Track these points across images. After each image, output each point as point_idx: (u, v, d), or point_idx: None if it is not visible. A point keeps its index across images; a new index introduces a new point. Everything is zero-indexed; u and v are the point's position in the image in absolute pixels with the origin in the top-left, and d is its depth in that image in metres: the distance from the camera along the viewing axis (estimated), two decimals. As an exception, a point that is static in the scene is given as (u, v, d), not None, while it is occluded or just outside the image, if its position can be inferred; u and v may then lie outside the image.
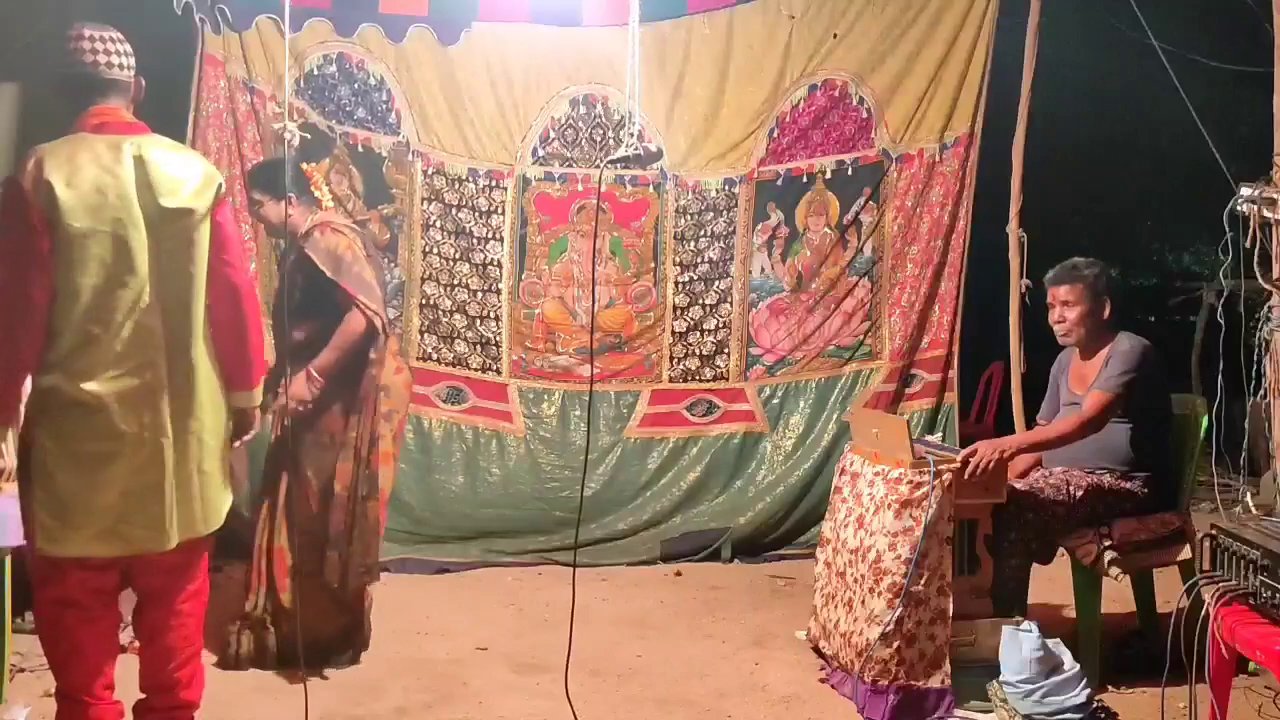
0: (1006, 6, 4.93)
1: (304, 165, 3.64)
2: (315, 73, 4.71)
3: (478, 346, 5.02)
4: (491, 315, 5.02)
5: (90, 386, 2.41)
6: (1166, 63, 4.26)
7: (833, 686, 3.37)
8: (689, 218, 5.08)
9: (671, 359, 5.13)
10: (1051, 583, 3.81)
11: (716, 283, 5.13)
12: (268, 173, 3.61)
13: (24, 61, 3.58)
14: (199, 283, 2.52)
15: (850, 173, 5.12)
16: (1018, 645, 3.09)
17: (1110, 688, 3.31)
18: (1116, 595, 3.64)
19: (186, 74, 4.49)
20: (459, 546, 4.74)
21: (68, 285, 2.40)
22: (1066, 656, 3.12)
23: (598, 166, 4.93)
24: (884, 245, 5.16)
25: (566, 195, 5.01)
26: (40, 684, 3.09)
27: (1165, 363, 3.62)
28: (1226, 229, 3.46)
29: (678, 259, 5.10)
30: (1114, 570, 3.37)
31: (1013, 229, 4.86)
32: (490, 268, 5.00)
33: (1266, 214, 3.36)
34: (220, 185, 2.58)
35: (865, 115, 5.09)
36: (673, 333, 5.12)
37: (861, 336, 5.17)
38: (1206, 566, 2.67)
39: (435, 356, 4.99)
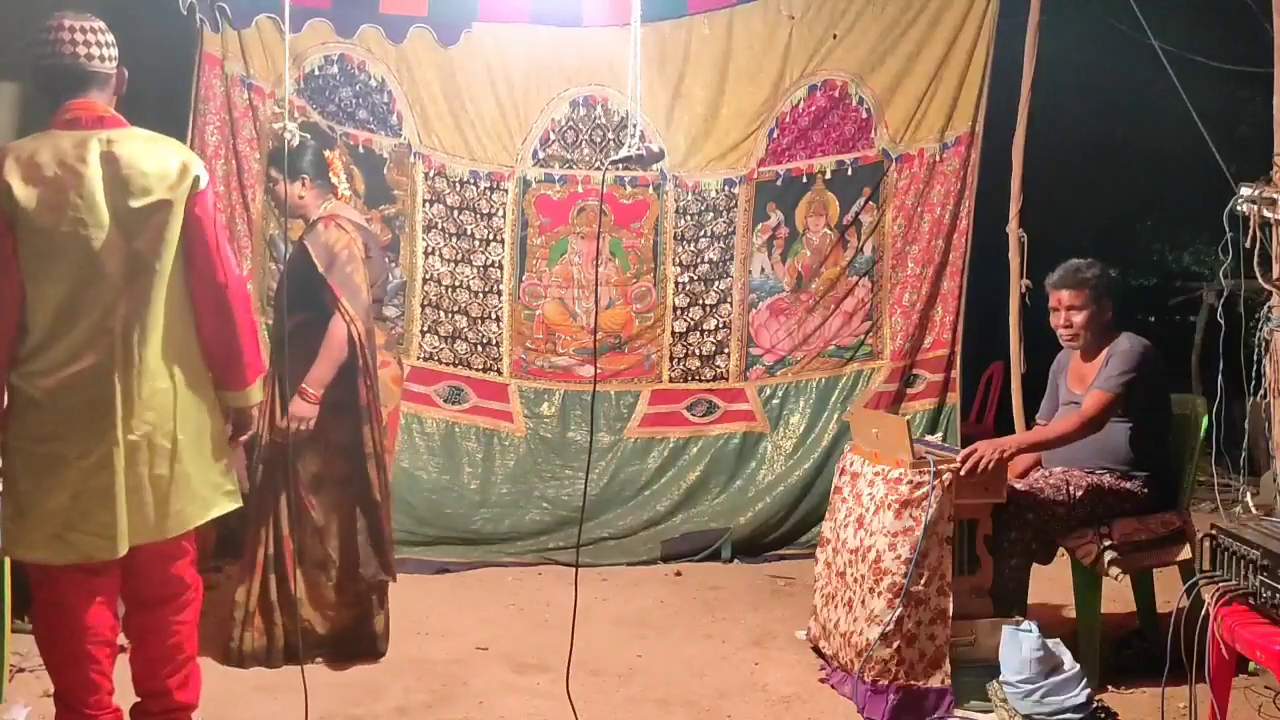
0: (1006, 6, 4.93)
1: (325, 153, 3.64)
2: (316, 73, 4.72)
3: (479, 347, 5.02)
4: (492, 316, 5.02)
5: (44, 385, 2.37)
6: (1166, 63, 4.27)
7: (833, 686, 3.37)
8: (689, 218, 5.09)
9: (671, 359, 5.14)
10: (1051, 583, 3.81)
11: (716, 283, 5.13)
12: (287, 154, 3.58)
13: (24, 61, 3.58)
14: (163, 280, 2.43)
15: (850, 173, 5.12)
16: (1018, 645, 3.09)
17: (1110, 688, 3.31)
18: (1116, 595, 3.64)
19: (186, 74, 4.49)
20: (459, 546, 4.74)
21: (31, 285, 2.36)
22: (1066, 656, 3.12)
23: (598, 168, 4.93)
24: (884, 245, 5.16)
25: (566, 197, 5.01)
26: (40, 684, 3.09)
27: (1165, 363, 3.62)
28: (1226, 229, 3.46)
29: (678, 259, 5.10)
30: (1114, 570, 3.37)
31: (1013, 229, 4.86)
32: (491, 269, 5.01)
33: (1266, 214, 3.36)
34: (198, 178, 2.47)
35: (865, 115, 5.09)
36: (673, 333, 5.12)
37: (862, 336, 5.18)
38: (1206, 566, 2.67)
39: (437, 357, 4.99)
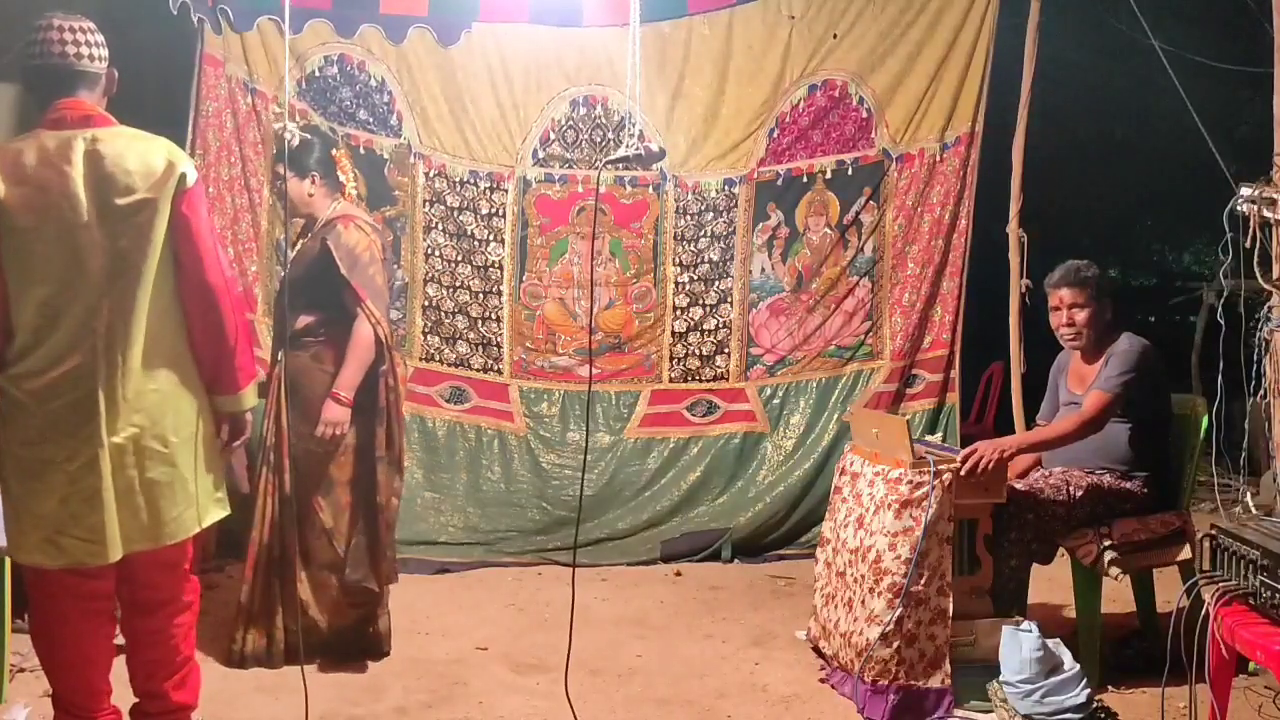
0: (1006, 6, 4.93)
1: (333, 151, 3.65)
2: (316, 74, 4.72)
3: (479, 347, 5.02)
4: (493, 316, 5.02)
5: (29, 388, 2.35)
6: (1166, 63, 4.27)
7: (833, 686, 3.37)
8: (689, 218, 5.09)
9: (672, 359, 5.14)
10: (1051, 583, 3.81)
11: (716, 283, 5.13)
12: (297, 151, 3.55)
13: (14, 61, 3.58)
14: (148, 280, 2.40)
15: (850, 173, 5.12)
16: (1018, 645, 3.09)
17: (1110, 688, 3.31)
18: (1116, 595, 3.64)
19: (186, 74, 4.49)
20: (459, 546, 4.74)
21: (15, 286, 2.34)
22: (1066, 656, 3.12)
23: (598, 168, 4.93)
24: (884, 245, 5.16)
25: (567, 197, 5.01)
26: (40, 684, 3.08)
27: (1165, 363, 3.61)
28: (1226, 229, 3.46)
29: (678, 259, 5.10)
30: (1114, 570, 3.37)
31: (1013, 229, 4.86)
32: (491, 269, 5.01)
33: (1266, 214, 3.36)
34: (185, 175, 2.43)
35: (865, 115, 5.09)
36: (673, 333, 5.12)
37: (862, 336, 5.18)
38: (1206, 566, 2.67)
39: (438, 357, 4.99)
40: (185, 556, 2.59)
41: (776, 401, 5.16)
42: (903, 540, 3.14)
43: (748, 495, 5.04)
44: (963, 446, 3.43)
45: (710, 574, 4.68)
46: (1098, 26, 5.97)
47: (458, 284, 4.98)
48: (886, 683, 3.12)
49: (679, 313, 5.12)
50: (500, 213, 4.98)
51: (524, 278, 5.03)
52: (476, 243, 4.98)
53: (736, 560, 4.87)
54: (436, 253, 4.96)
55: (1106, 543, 3.37)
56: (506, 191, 4.98)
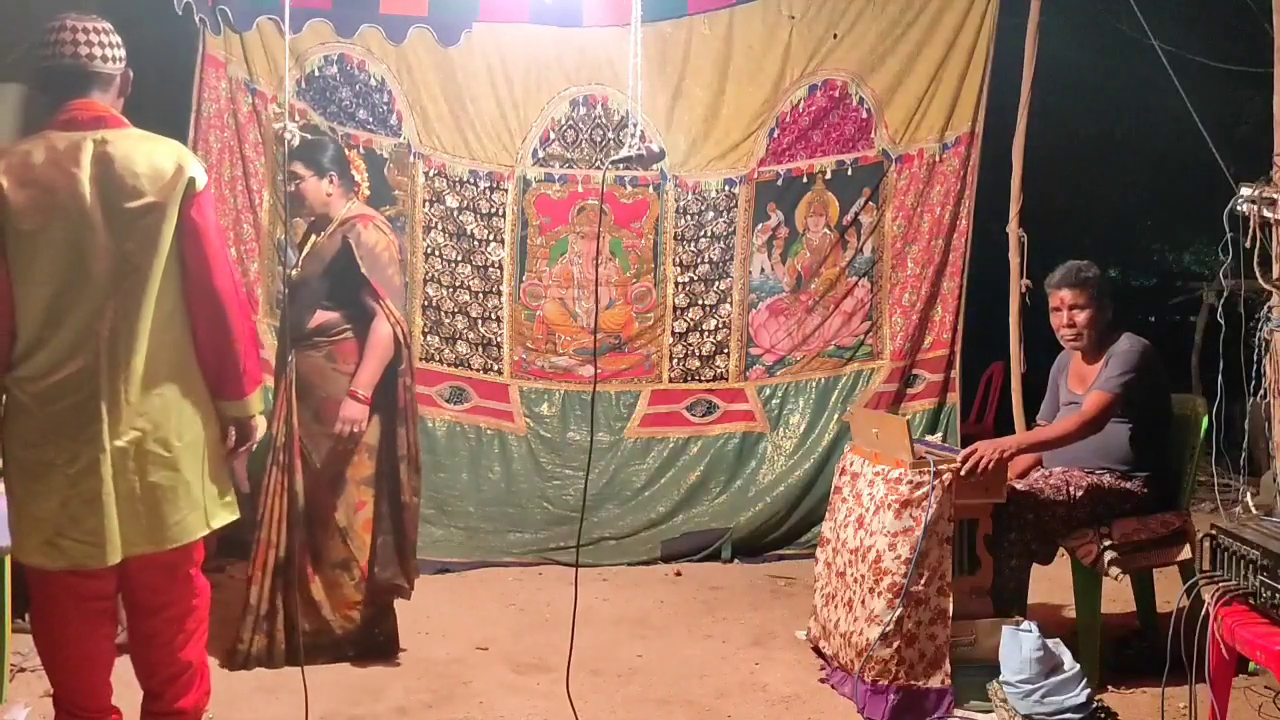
0: (1006, 6, 4.93)
1: (346, 151, 3.67)
2: (316, 74, 4.72)
3: (479, 347, 5.02)
4: (493, 316, 5.02)
5: (31, 390, 2.35)
6: (1166, 63, 4.27)
7: (833, 686, 3.38)
8: (689, 218, 5.09)
9: (671, 359, 5.14)
10: (1051, 583, 3.81)
11: (716, 283, 5.13)
12: (313, 150, 3.59)
13: (24, 62, 3.58)
14: (153, 284, 2.38)
15: (850, 173, 5.12)
16: (1018, 645, 3.09)
17: (1110, 688, 3.31)
18: (1116, 595, 3.64)
19: (187, 74, 4.49)
20: (459, 546, 4.74)
21: (19, 287, 2.34)
22: (1066, 656, 3.12)
23: (598, 168, 4.93)
24: (884, 245, 5.16)
25: (566, 197, 5.02)
26: (40, 684, 3.09)
27: (1165, 363, 3.61)
28: (1226, 229, 3.46)
29: (678, 259, 5.10)
30: (1114, 570, 3.37)
31: (1013, 229, 4.86)
32: (491, 269, 5.01)
33: (1266, 214, 3.36)
34: (194, 179, 2.40)
35: (865, 115, 5.09)
36: (673, 333, 5.13)
37: (862, 336, 5.18)
38: (1206, 566, 2.67)
39: (438, 357, 4.99)
40: (189, 560, 2.57)
41: (776, 401, 5.16)
42: (903, 540, 3.15)
43: (748, 495, 5.04)
44: (963, 446, 3.43)
45: (710, 574, 4.68)
46: (1098, 26, 5.96)
47: (457, 284, 4.98)
48: (886, 683, 3.12)
49: (679, 313, 5.12)
50: (500, 212, 4.98)
51: (524, 278, 5.03)
52: (476, 242, 4.98)
53: (736, 560, 4.87)
54: (436, 252, 4.96)
55: (1106, 543, 3.38)
56: (506, 191, 4.98)
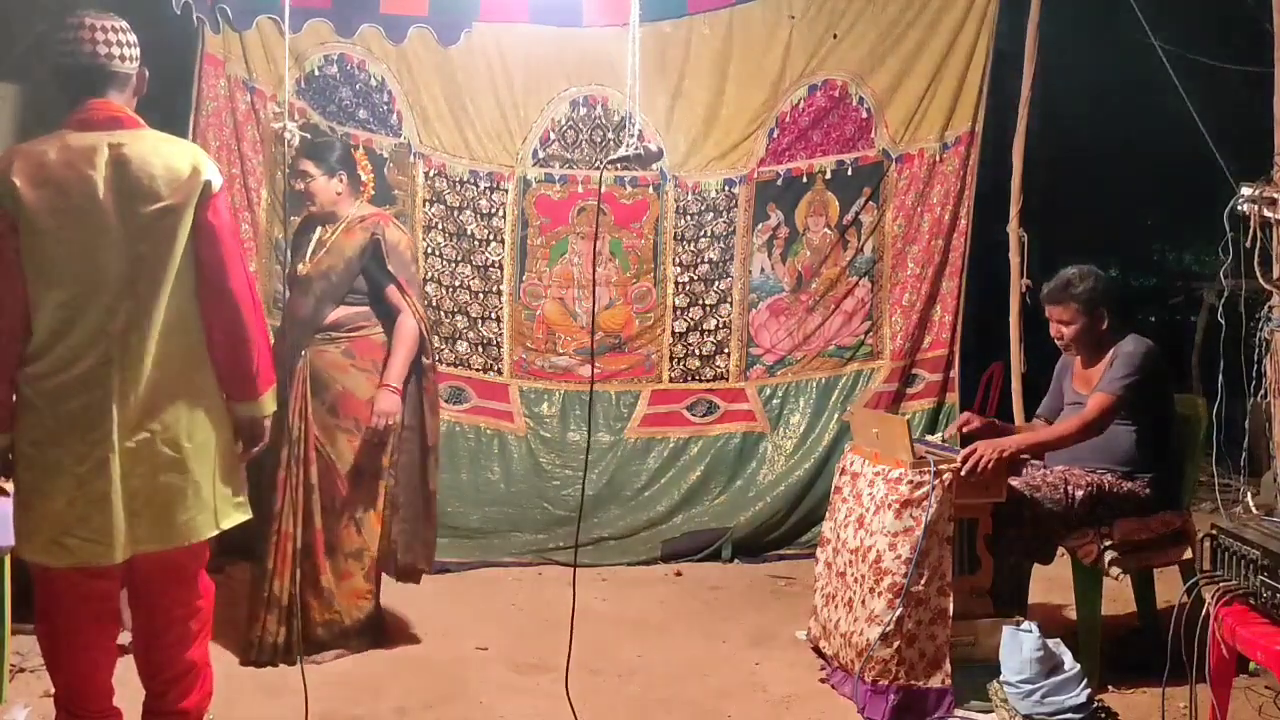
0: (1006, 6, 4.93)
1: (353, 150, 3.71)
2: (316, 74, 4.72)
3: (479, 347, 5.02)
4: (493, 316, 5.02)
5: (42, 389, 2.35)
6: (1166, 62, 4.27)
7: (833, 686, 3.38)
8: (689, 218, 5.09)
9: (671, 359, 5.14)
10: (1051, 583, 3.81)
11: (716, 283, 5.13)
12: (323, 149, 3.64)
13: (25, 62, 3.58)
14: (167, 285, 2.38)
15: (850, 173, 5.12)
16: (1018, 645, 3.10)
17: (1110, 688, 3.31)
18: (1116, 595, 3.64)
19: (187, 74, 4.49)
20: (460, 546, 4.74)
21: (33, 287, 2.34)
22: (1066, 656, 3.12)
23: (598, 168, 4.93)
24: (884, 245, 5.16)
25: (567, 197, 5.01)
26: (40, 684, 3.09)
27: (1166, 363, 3.61)
28: (1226, 229, 3.47)
29: (678, 259, 5.10)
30: (1114, 570, 3.37)
31: (1013, 229, 4.86)
32: (491, 269, 5.01)
33: (1266, 214, 3.37)
34: (210, 182, 2.41)
35: (865, 115, 5.09)
36: (673, 333, 5.12)
37: (862, 336, 5.18)
38: (1207, 566, 2.67)
39: (437, 357, 4.97)
40: (196, 560, 2.56)
41: (776, 401, 5.16)
42: (903, 540, 3.14)
43: (748, 495, 5.04)
44: (963, 446, 3.43)
45: (710, 574, 4.68)
46: (1098, 26, 5.96)
47: (457, 283, 4.98)
48: (887, 683, 3.12)
49: (679, 313, 5.12)
50: (500, 212, 4.98)
51: (524, 278, 5.02)
52: (476, 242, 4.98)
53: (736, 560, 4.87)
54: (436, 252, 4.96)
55: (1107, 542, 3.38)
56: (506, 191, 4.98)
